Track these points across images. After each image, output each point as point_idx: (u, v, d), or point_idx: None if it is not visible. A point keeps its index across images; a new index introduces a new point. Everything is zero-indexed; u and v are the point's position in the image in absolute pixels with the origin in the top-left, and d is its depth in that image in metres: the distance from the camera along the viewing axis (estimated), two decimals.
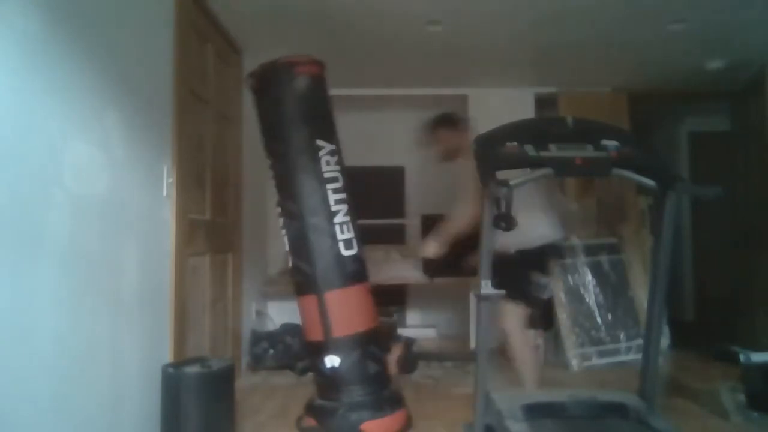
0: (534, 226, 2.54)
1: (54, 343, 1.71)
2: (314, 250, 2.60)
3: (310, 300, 2.62)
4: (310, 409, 2.66)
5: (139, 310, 2.28)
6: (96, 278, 1.95)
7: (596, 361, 3.98)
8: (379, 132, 5.13)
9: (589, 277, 4.19)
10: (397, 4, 3.16)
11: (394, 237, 5.12)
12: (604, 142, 1.86)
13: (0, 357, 1.48)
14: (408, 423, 2.68)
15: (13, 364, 1.53)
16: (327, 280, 2.59)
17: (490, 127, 1.97)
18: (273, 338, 3.94)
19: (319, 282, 2.59)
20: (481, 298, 1.88)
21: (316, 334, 2.62)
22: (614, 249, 4.34)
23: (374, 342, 2.67)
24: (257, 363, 3.87)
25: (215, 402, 2.33)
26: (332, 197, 2.63)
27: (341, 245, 2.62)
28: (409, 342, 3.90)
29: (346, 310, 2.62)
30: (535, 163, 1.84)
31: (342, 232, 2.63)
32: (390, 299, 4.65)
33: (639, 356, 2.27)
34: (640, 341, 3.85)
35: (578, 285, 4.16)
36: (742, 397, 2.80)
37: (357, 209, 2.73)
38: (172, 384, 2.27)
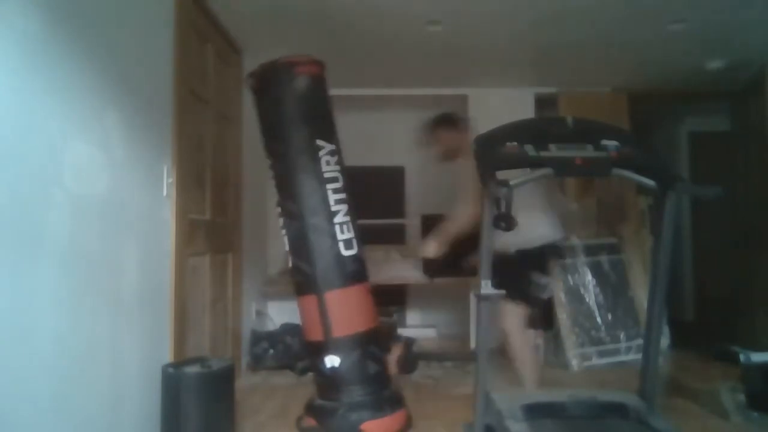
0: (534, 226, 2.54)
1: (54, 343, 1.71)
2: (314, 250, 2.60)
3: (310, 300, 2.62)
4: (310, 409, 2.66)
5: (139, 310, 2.28)
6: (96, 278, 1.95)
7: (596, 361, 3.98)
8: (379, 132, 5.13)
9: (589, 277, 4.19)
10: (397, 4, 3.16)
11: (394, 237, 5.12)
12: (604, 142, 1.86)
13: (0, 357, 1.48)
14: (408, 423, 2.68)
15: (13, 364, 1.53)
16: (327, 280, 2.59)
17: (490, 127, 1.97)
18: (273, 338, 3.94)
19: (319, 282, 2.59)
20: (481, 298, 1.88)
21: (316, 334, 2.62)
22: (614, 249, 4.34)
23: (374, 342, 2.67)
24: (257, 363, 3.87)
25: (215, 402, 2.33)
26: (332, 197, 2.63)
27: (341, 245, 2.62)
28: (409, 342, 3.89)
29: (346, 310, 2.61)
30: (535, 163, 1.85)
31: (342, 232, 2.63)
32: (390, 299, 4.65)
33: (639, 356, 2.27)
34: (640, 341, 3.85)
35: (578, 285, 4.16)
36: (742, 397, 2.80)
37: (357, 209, 2.73)
38: (172, 384, 2.27)
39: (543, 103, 4.77)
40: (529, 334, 2.64)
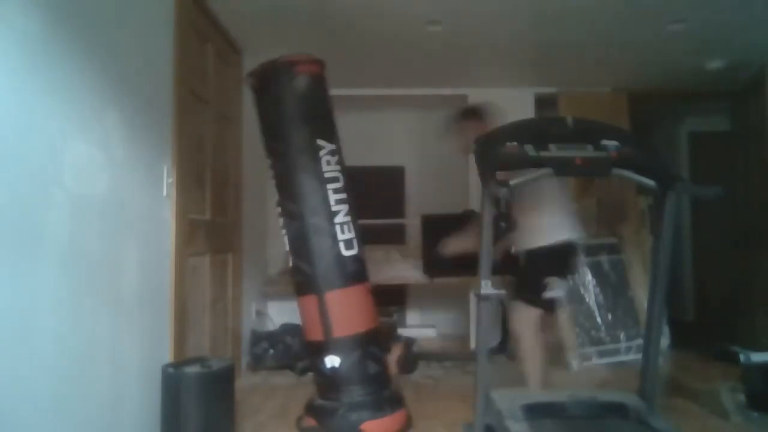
0: (552, 226, 2.54)
1: (54, 343, 1.71)
2: (314, 250, 2.60)
3: (311, 300, 2.62)
4: (310, 409, 2.66)
5: (139, 310, 2.28)
6: (96, 278, 1.95)
7: (596, 361, 3.98)
8: (379, 132, 5.14)
9: (589, 277, 4.19)
10: (397, 4, 3.16)
11: (394, 237, 5.12)
12: (604, 142, 1.86)
13: (0, 357, 1.48)
14: (408, 423, 2.68)
15: (13, 364, 1.53)
16: (327, 280, 2.59)
17: None
18: (273, 338, 3.94)
19: (319, 282, 2.59)
20: (481, 298, 1.88)
21: (316, 334, 2.62)
22: (614, 249, 4.34)
23: (374, 342, 2.67)
24: (257, 363, 3.87)
25: (215, 402, 2.33)
26: (333, 197, 2.62)
27: (342, 245, 2.61)
28: (409, 342, 3.90)
29: (346, 311, 2.61)
30: (535, 163, 1.84)
31: (342, 232, 2.62)
32: (390, 299, 4.65)
33: (639, 356, 2.27)
34: (640, 341, 3.85)
35: (578, 285, 4.16)
36: (742, 397, 2.80)
37: (357, 209, 2.73)
38: (172, 384, 2.27)
39: (543, 103, 4.77)
40: (541, 336, 2.62)
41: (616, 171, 1.85)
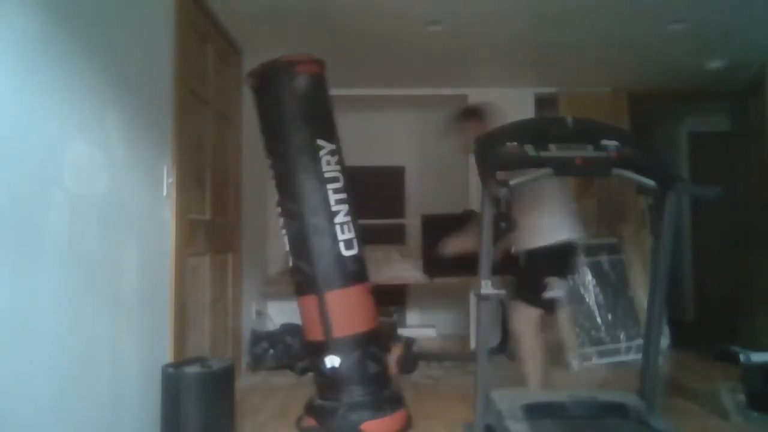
0: (552, 226, 2.54)
1: (54, 343, 1.71)
2: (314, 250, 2.60)
3: (311, 300, 2.62)
4: (310, 409, 2.66)
5: (139, 310, 2.28)
6: (96, 278, 1.95)
7: (596, 361, 3.98)
8: (379, 132, 5.14)
9: (589, 277, 4.19)
10: (397, 4, 3.16)
11: (394, 237, 5.12)
12: (604, 142, 1.86)
13: (0, 357, 1.48)
14: (408, 423, 2.68)
15: (13, 364, 1.53)
16: (327, 280, 2.59)
17: None
18: (273, 338, 3.94)
19: (319, 282, 2.59)
20: (481, 298, 1.88)
21: (316, 334, 2.62)
22: (614, 249, 4.34)
23: (374, 342, 2.66)
24: (257, 363, 3.87)
25: (215, 402, 2.33)
26: (333, 197, 2.62)
27: (342, 245, 2.61)
28: (409, 342, 3.90)
29: (346, 311, 2.61)
30: (535, 163, 1.85)
31: (342, 232, 2.62)
32: (390, 299, 4.65)
33: (639, 356, 2.27)
34: (640, 341, 3.85)
35: (578, 285, 4.16)
36: (742, 397, 2.80)
37: (357, 209, 2.73)
38: (172, 384, 2.27)
39: (543, 103, 4.77)
40: (542, 336, 2.62)
41: (616, 171, 1.85)
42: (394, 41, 3.71)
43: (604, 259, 4.27)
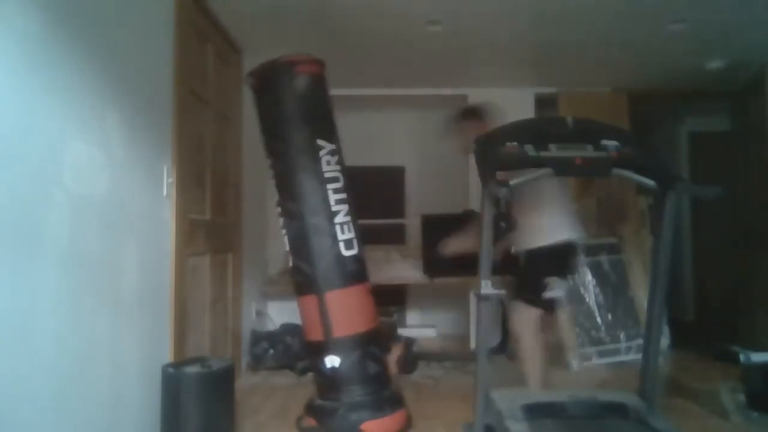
0: (552, 226, 2.54)
1: (54, 343, 1.71)
2: (314, 250, 2.60)
3: (311, 300, 2.62)
4: (310, 409, 2.66)
5: (139, 310, 2.28)
6: (96, 278, 1.95)
7: (596, 361, 3.98)
8: (379, 132, 5.14)
9: (589, 277, 4.19)
10: (397, 4, 3.16)
11: (394, 237, 5.12)
12: (604, 142, 1.86)
13: (0, 357, 1.48)
14: (408, 423, 2.68)
15: (13, 364, 1.53)
16: (327, 280, 2.59)
17: None
18: (273, 338, 3.94)
19: (319, 282, 2.59)
20: (481, 298, 1.88)
21: (316, 334, 2.62)
22: (614, 249, 4.34)
23: (374, 342, 2.66)
24: (257, 363, 3.87)
25: (215, 402, 2.33)
26: (333, 197, 2.62)
27: (342, 245, 2.61)
28: (409, 342, 3.90)
29: (346, 311, 2.61)
30: (535, 163, 1.85)
31: (342, 232, 2.62)
32: (390, 299, 4.65)
33: (639, 356, 2.27)
34: (640, 341, 3.85)
35: (578, 285, 4.16)
36: (742, 397, 2.80)
37: (357, 209, 2.73)
38: (172, 384, 2.27)
39: (543, 103, 4.77)
40: (542, 336, 2.62)
41: (616, 171, 1.85)
42: (394, 41, 3.71)
43: (604, 259, 4.27)
